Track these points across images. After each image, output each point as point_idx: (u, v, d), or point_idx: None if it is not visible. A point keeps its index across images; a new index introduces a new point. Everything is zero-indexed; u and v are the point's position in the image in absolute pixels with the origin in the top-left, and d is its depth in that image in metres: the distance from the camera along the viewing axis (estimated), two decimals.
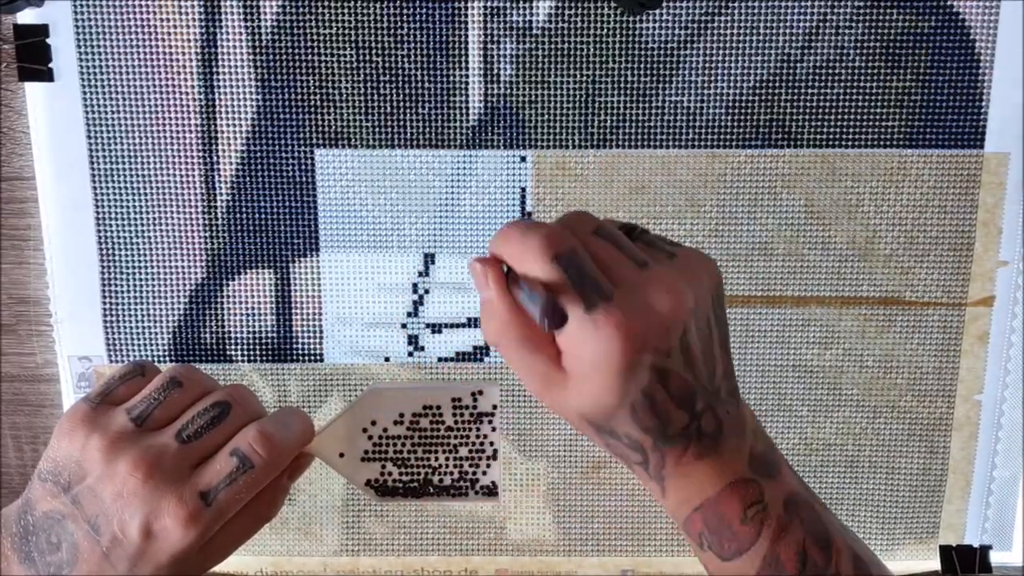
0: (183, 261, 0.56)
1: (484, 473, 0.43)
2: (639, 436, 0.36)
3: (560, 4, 0.53)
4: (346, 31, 0.53)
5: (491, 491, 0.43)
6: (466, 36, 0.53)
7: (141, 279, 0.56)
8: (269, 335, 0.57)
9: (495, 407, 0.43)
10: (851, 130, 0.54)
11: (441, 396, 0.42)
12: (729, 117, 0.54)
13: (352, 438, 0.42)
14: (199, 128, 0.54)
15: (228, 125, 0.54)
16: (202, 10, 0.53)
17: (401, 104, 0.54)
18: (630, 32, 0.53)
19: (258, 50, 0.53)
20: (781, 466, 0.38)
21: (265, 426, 0.40)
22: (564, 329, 0.35)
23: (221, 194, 0.55)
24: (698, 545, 0.38)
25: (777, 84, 0.54)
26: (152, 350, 0.57)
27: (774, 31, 0.53)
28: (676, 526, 0.54)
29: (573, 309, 0.34)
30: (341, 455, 0.42)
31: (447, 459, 0.43)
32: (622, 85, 0.54)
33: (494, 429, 0.43)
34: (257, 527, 0.41)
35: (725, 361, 0.38)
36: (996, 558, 0.60)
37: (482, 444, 0.43)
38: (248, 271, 0.56)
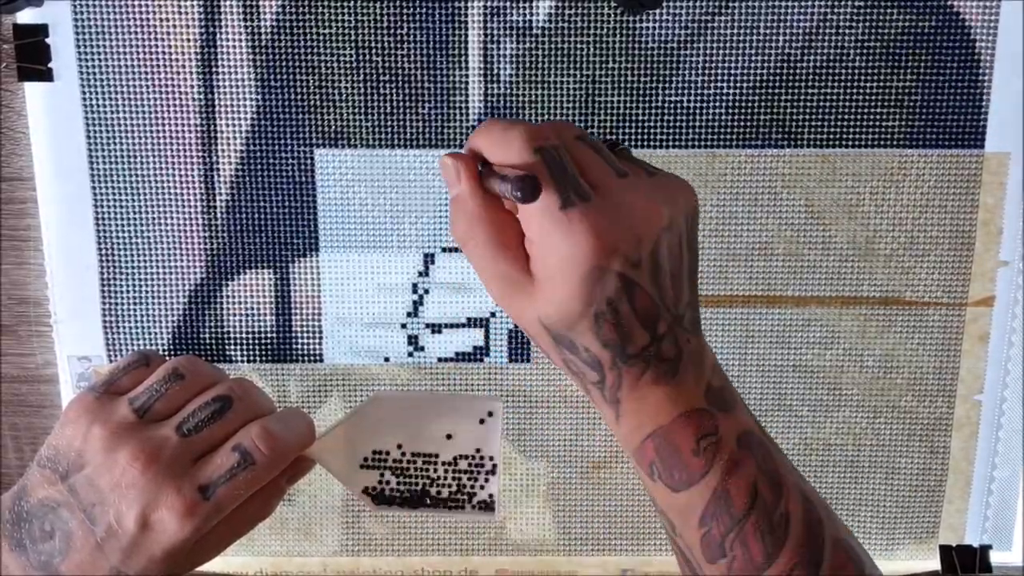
0: (183, 261, 0.56)
1: (482, 487, 0.42)
2: (598, 351, 0.35)
3: (560, 4, 0.53)
4: (346, 31, 0.53)
5: (488, 505, 0.43)
6: (466, 36, 0.53)
7: (141, 279, 0.56)
8: (269, 335, 0.57)
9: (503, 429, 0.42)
10: (851, 130, 0.54)
11: (446, 411, 0.42)
12: (729, 117, 0.54)
13: (352, 444, 0.42)
14: (199, 128, 0.54)
15: (228, 125, 0.54)
16: (202, 10, 0.53)
17: (401, 104, 0.54)
18: (630, 32, 0.53)
19: (258, 50, 0.53)
20: (737, 403, 0.37)
21: (269, 424, 0.40)
22: (534, 226, 0.34)
23: (221, 194, 0.55)
24: (648, 476, 0.37)
25: (777, 84, 0.54)
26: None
27: (774, 31, 0.53)
28: None
29: (548, 203, 0.33)
30: (340, 461, 0.42)
31: (446, 471, 0.42)
32: (622, 85, 0.54)
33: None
34: (249, 527, 0.41)
35: (692, 290, 0.37)
36: (996, 558, 0.60)
37: (482, 459, 0.42)
38: (248, 271, 0.56)
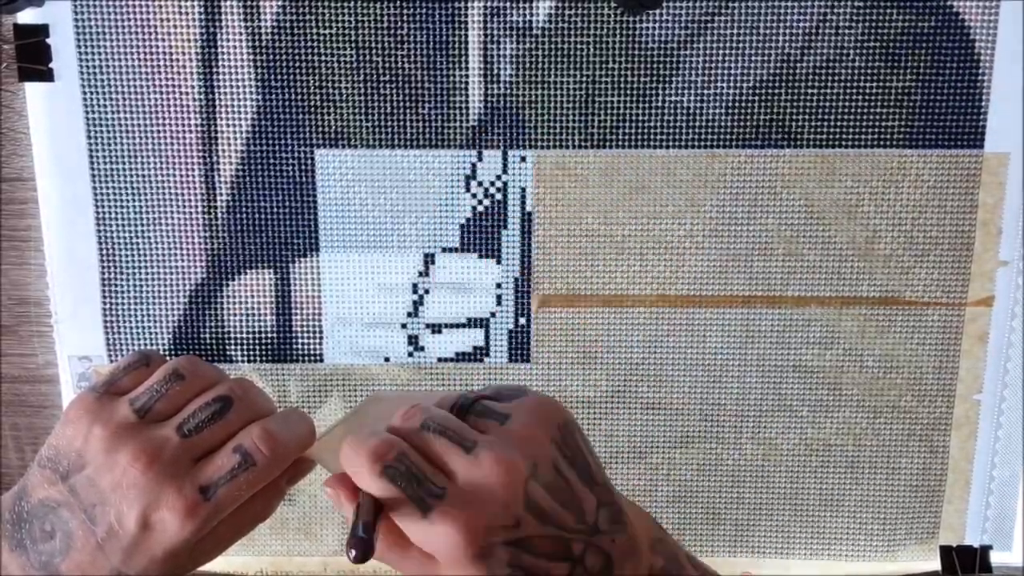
0: (183, 261, 0.56)
1: None
2: None
3: (560, 4, 0.53)
4: (346, 31, 0.53)
5: None
6: (466, 36, 0.53)
7: (141, 279, 0.56)
8: (269, 335, 0.57)
9: None
10: (851, 130, 0.54)
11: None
12: (729, 117, 0.54)
13: None
14: (199, 128, 0.54)
15: (228, 125, 0.54)
16: (202, 10, 0.53)
17: (401, 104, 0.54)
18: (630, 32, 0.53)
19: (258, 50, 0.53)
20: (684, 567, 0.38)
21: (269, 425, 0.40)
22: (411, 536, 0.35)
23: (221, 194, 0.55)
24: None
25: (777, 84, 0.54)
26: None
27: (774, 31, 0.53)
28: (676, 524, 0.54)
29: (410, 515, 0.35)
30: (340, 461, 0.42)
31: None
32: (622, 85, 0.54)
33: None
34: (249, 528, 0.41)
35: (598, 492, 0.37)
36: (996, 558, 0.60)
37: None
38: (248, 271, 0.56)
